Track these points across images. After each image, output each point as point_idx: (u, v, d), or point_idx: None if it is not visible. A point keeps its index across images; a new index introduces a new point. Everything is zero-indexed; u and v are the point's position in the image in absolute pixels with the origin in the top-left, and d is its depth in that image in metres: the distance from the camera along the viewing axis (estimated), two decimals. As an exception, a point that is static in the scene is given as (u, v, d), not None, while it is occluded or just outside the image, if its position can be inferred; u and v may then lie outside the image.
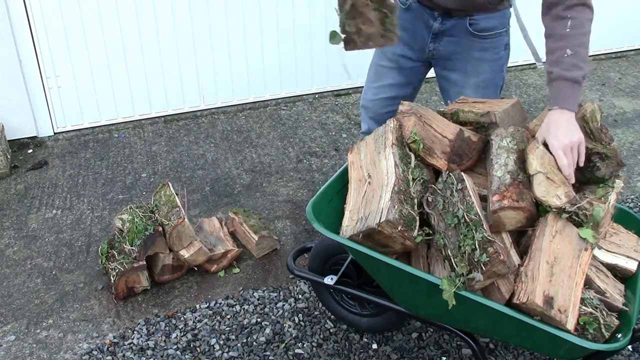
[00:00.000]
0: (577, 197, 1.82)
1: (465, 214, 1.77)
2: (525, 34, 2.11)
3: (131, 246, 2.62)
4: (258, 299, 2.61)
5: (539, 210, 1.83)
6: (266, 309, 2.55)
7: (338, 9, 1.84)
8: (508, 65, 2.43)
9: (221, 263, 2.75)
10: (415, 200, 1.91)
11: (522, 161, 1.88)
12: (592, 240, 1.78)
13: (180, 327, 2.48)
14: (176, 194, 2.78)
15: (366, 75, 2.56)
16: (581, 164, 1.82)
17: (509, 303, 1.76)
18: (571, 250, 1.76)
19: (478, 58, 2.26)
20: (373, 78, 2.48)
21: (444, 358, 2.31)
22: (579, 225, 1.80)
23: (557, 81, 1.87)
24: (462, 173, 1.85)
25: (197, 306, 2.58)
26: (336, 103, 4.30)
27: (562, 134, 1.80)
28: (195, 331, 2.46)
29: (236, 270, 2.77)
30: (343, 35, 1.85)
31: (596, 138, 1.88)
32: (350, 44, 1.87)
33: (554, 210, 1.79)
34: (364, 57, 2.48)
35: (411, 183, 1.94)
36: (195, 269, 2.74)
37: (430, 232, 1.89)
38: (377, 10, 1.80)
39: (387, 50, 2.35)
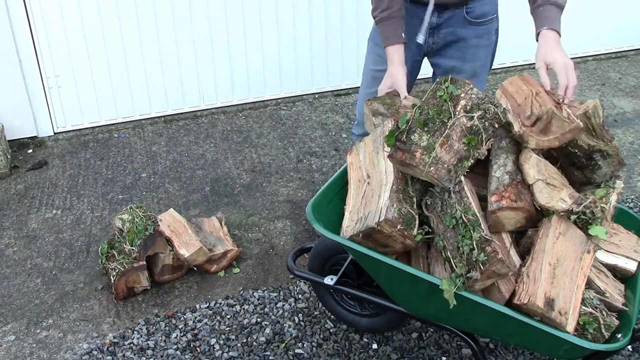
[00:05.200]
0: (581, 196, 1.81)
1: (462, 214, 1.77)
2: None
3: (131, 246, 2.62)
4: (258, 299, 2.61)
5: (543, 212, 1.83)
6: (266, 309, 2.55)
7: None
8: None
9: (221, 263, 2.75)
10: (415, 199, 1.91)
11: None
12: (603, 237, 1.77)
13: (180, 327, 2.48)
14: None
15: (361, 81, 2.54)
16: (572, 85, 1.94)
17: (509, 303, 1.76)
18: (574, 253, 1.76)
19: (475, 45, 2.32)
20: (370, 83, 2.46)
21: (444, 358, 2.31)
22: (587, 224, 1.80)
23: (545, 6, 2.03)
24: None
25: (197, 306, 2.58)
26: (336, 103, 4.30)
27: (562, 54, 1.96)
28: (195, 331, 2.46)
29: (236, 270, 2.77)
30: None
31: (598, 135, 1.87)
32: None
33: (562, 213, 1.79)
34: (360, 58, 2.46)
35: (410, 182, 1.94)
36: (195, 269, 2.74)
37: (430, 230, 1.89)
38: None
39: (383, 53, 2.35)
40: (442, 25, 2.28)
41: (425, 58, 2.45)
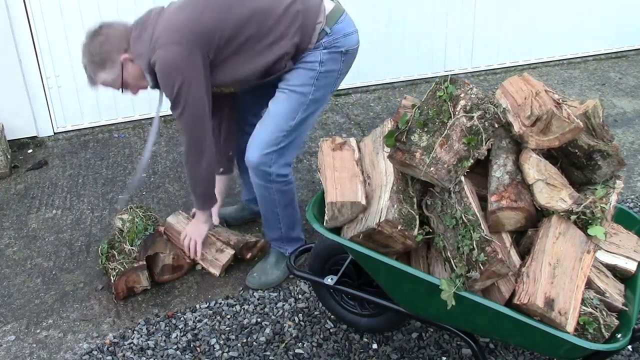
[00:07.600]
0: (581, 196, 1.81)
1: (462, 214, 1.77)
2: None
3: (131, 246, 2.62)
4: (258, 299, 2.61)
5: (543, 212, 1.83)
6: (266, 309, 2.55)
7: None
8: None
9: (254, 251, 2.79)
10: (415, 199, 1.91)
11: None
12: (602, 237, 1.77)
13: (180, 327, 2.48)
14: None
15: (299, 135, 2.51)
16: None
17: (509, 303, 1.76)
18: (573, 253, 1.76)
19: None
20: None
21: (444, 358, 2.31)
22: (587, 224, 1.80)
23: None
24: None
25: (197, 306, 2.58)
26: (336, 103, 4.30)
27: (194, 228, 2.67)
28: (195, 331, 2.46)
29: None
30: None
31: (598, 135, 1.87)
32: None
33: (562, 213, 1.79)
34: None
35: (410, 182, 1.94)
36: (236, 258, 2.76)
37: (430, 230, 1.89)
38: None
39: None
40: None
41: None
